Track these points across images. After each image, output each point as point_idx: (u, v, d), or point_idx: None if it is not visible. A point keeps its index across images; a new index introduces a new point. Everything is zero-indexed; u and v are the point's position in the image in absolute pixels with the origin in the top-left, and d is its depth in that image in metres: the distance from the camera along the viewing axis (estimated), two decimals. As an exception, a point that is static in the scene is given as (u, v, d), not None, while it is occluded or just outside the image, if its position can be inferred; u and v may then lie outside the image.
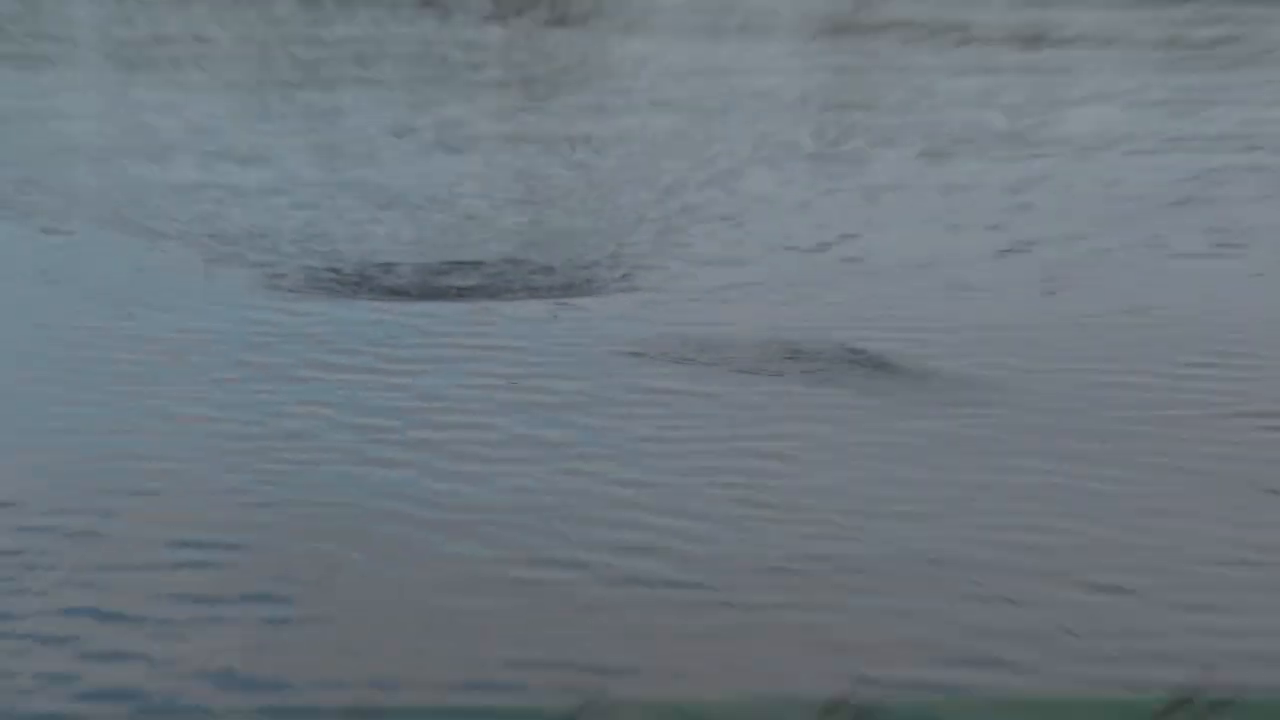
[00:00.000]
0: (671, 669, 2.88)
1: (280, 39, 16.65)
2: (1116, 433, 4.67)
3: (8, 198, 7.70)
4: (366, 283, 6.04)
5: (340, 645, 2.99)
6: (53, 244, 6.83)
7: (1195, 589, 3.46)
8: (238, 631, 3.07)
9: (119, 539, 3.58)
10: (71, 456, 4.11)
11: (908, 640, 3.12)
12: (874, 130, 10.41)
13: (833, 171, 9.08)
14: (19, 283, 6.20)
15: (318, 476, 3.99)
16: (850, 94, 12.95)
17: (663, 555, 3.45)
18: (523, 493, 3.84)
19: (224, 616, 3.13)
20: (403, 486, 3.86)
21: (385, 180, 8.47)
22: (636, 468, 4.03)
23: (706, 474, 4.01)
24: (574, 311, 5.70)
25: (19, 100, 11.12)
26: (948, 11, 18.68)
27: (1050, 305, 6.07)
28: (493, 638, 3.01)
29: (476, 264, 6.32)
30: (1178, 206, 7.93)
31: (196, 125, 10.08)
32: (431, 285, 6.01)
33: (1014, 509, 3.88)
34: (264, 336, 5.30)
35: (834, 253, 6.82)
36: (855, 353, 5.19)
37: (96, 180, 8.25)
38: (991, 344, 5.51)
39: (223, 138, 9.67)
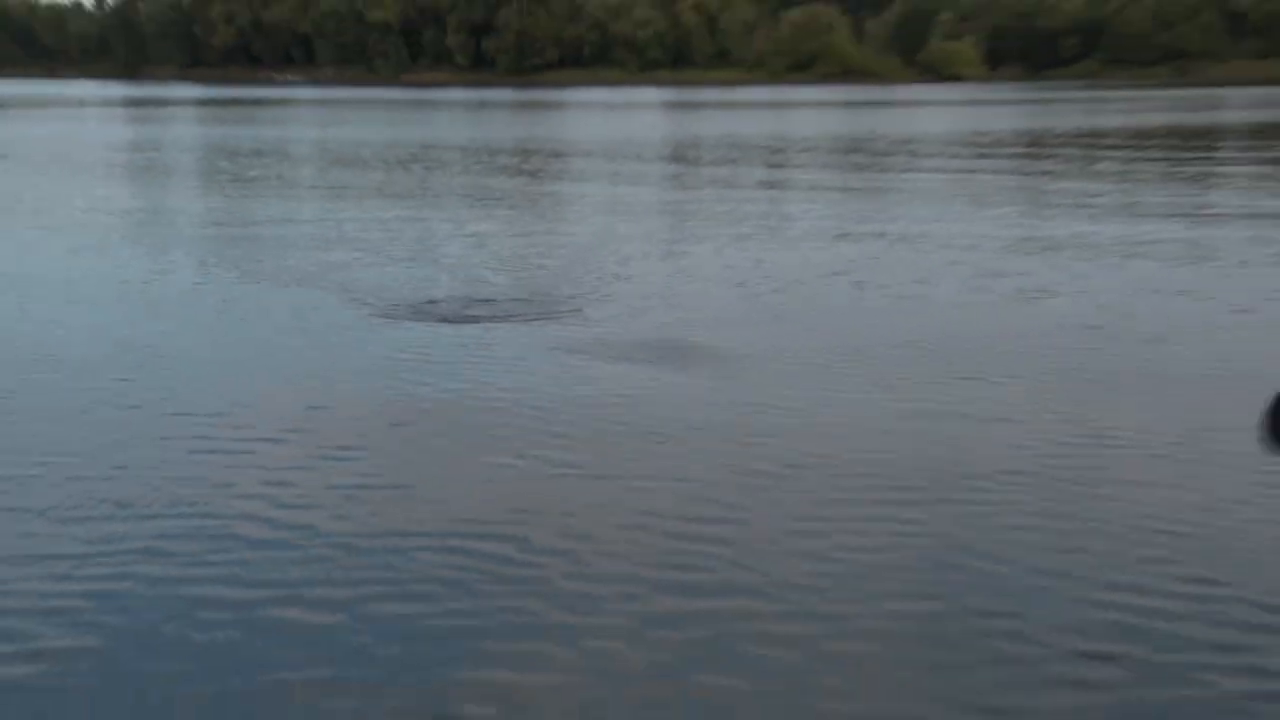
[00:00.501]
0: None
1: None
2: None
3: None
4: (430, 311, 9.63)
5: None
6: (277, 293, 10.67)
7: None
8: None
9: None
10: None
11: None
12: (721, 223, 15.84)
13: (687, 254, 13.49)
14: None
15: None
16: (689, 206, 19.25)
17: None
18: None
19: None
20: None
21: (436, 259, 12.83)
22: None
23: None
24: (534, 325, 9.14)
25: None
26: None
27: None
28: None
29: (489, 302, 10.01)
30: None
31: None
32: (463, 314, 9.51)
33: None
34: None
35: (679, 297, 10.48)
36: (666, 342, 8.48)
37: (302, 263, 12.35)
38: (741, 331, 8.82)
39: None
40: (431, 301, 10.14)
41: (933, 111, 58.23)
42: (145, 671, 4.07)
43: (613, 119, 54.83)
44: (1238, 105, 58.27)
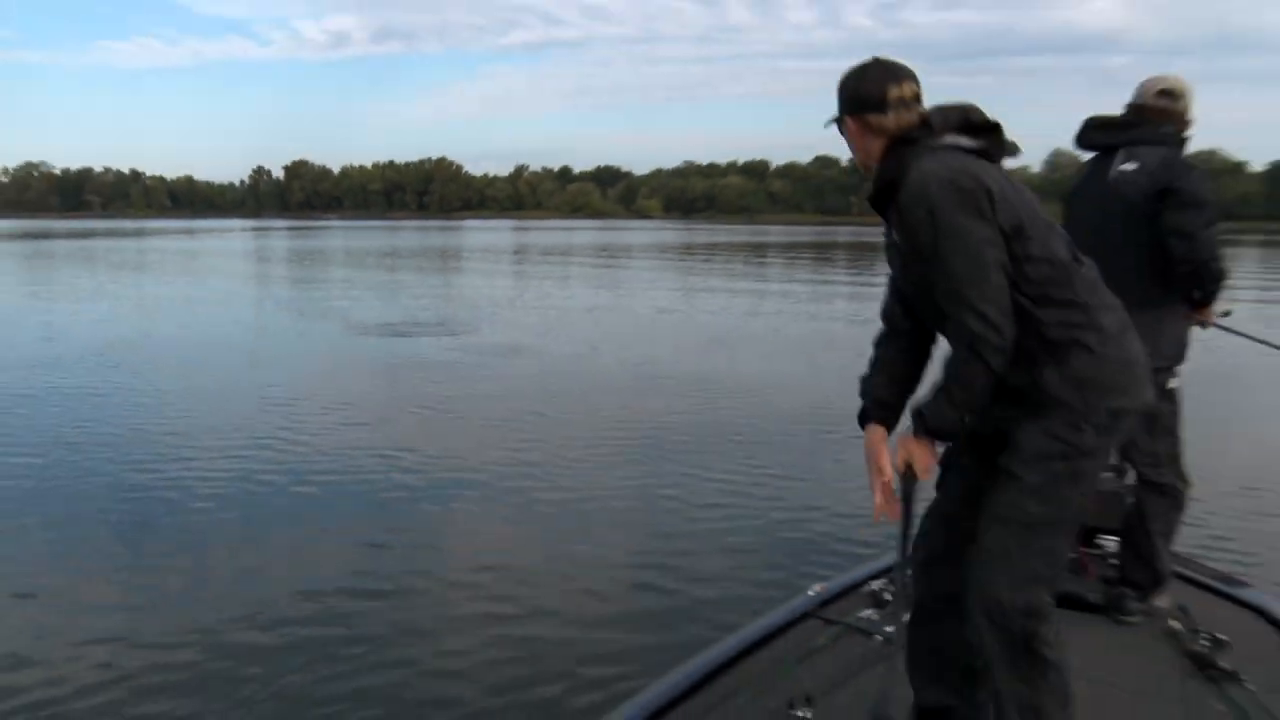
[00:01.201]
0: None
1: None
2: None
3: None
4: (389, 329, 16.98)
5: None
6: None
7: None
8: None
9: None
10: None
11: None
12: (542, 287, 23.49)
13: (524, 303, 21.08)
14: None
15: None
16: (526, 277, 26.86)
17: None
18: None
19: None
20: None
21: (402, 309, 20.41)
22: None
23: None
24: (445, 336, 16.35)
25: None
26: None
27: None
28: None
29: (421, 325, 17.44)
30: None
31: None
32: (407, 331, 16.43)
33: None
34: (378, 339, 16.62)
35: (519, 324, 17.73)
36: (510, 345, 15.68)
37: (320, 309, 20.19)
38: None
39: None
40: (389, 324, 17.43)
41: (637, 234, 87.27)
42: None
43: (485, 235, 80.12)
44: (776, 235, 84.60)
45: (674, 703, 3.13)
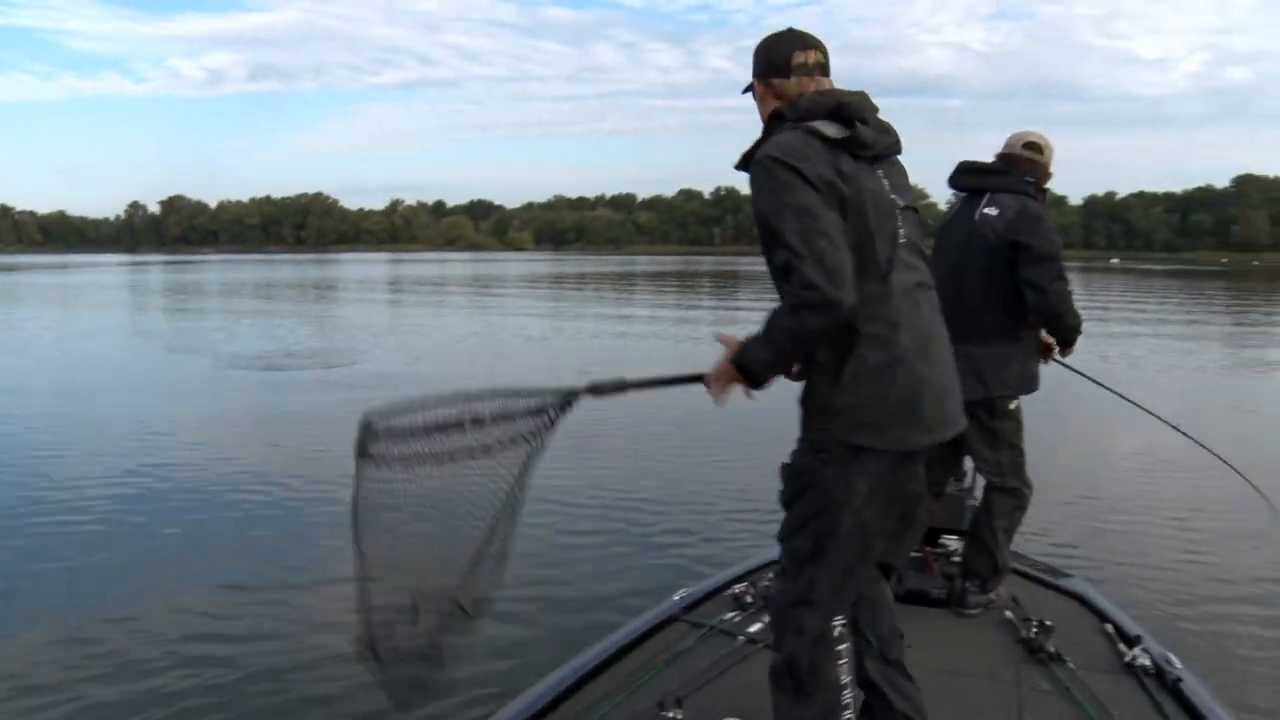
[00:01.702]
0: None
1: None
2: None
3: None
4: (287, 363, 16.78)
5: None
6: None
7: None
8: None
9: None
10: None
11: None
12: (419, 316, 23.13)
13: (400, 334, 20.77)
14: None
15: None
16: (403, 306, 26.44)
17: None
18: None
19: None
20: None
21: (276, 342, 19.77)
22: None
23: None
24: (318, 370, 16.20)
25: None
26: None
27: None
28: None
29: (293, 357, 17.22)
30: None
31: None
32: (279, 364, 16.54)
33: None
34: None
35: (393, 354, 17.58)
36: (377, 377, 15.82)
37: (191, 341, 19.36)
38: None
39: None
40: (261, 357, 16.91)
41: (510, 265, 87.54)
42: None
43: (361, 268, 77.21)
44: (643, 265, 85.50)
45: (544, 710, 3.12)
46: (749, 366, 2.43)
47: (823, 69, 2.56)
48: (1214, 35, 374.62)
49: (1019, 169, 4.08)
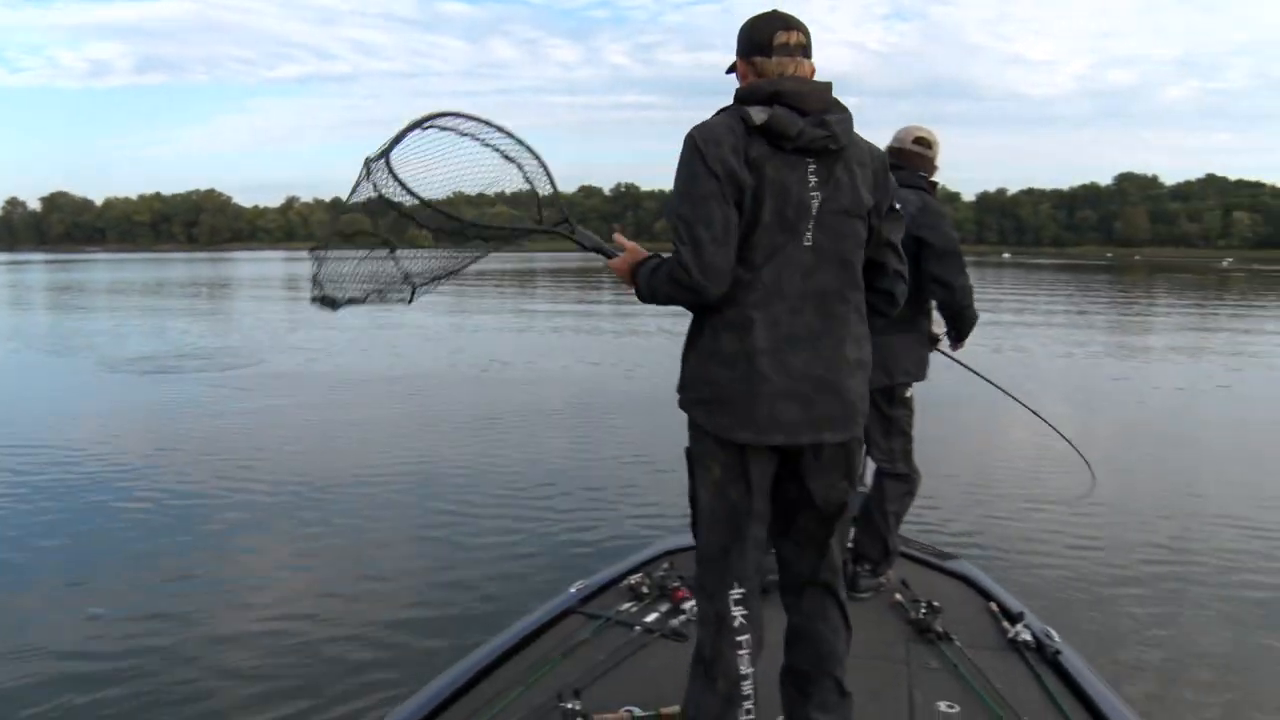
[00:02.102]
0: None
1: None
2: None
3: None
4: (180, 365, 16.35)
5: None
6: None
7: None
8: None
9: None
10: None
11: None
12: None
13: (294, 334, 20.38)
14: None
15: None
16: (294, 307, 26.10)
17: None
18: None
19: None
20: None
21: (166, 343, 19.12)
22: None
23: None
24: (210, 371, 15.87)
25: None
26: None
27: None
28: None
29: (185, 358, 16.82)
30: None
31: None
32: (170, 367, 16.21)
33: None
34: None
35: (282, 354, 17.27)
36: (272, 375, 15.54)
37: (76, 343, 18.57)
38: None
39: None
40: (149, 358, 16.37)
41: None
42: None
43: (256, 266, 76.03)
44: (544, 262, 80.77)
45: (441, 706, 3.11)
46: (636, 284, 2.66)
47: (804, 50, 2.56)
48: (1097, 39, 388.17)
49: (910, 164, 4.15)
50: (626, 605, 3.87)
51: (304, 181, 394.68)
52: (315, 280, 3.16)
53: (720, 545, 2.58)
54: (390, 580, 5.74)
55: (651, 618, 3.74)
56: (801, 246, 2.49)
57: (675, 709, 2.99)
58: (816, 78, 2.56)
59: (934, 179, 4.27)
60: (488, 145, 3.21)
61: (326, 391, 13.11)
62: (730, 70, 2.65)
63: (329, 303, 3.12)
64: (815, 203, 2.49)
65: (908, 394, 4.17)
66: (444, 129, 3.11)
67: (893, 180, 2.66)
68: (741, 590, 2.58)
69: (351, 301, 3.13)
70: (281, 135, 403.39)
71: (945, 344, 4.33)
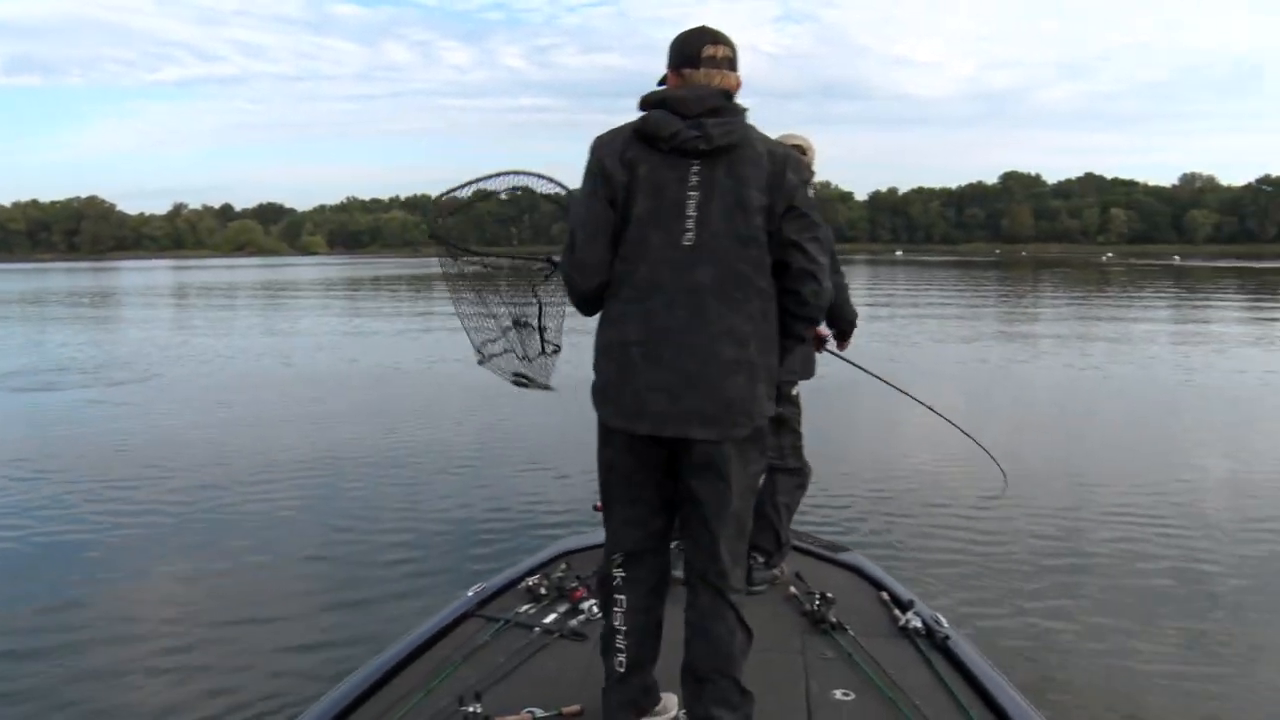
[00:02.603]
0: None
1: None
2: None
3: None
4: (59, 380, 15.78)
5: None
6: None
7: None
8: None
9: None
10: None
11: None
12: (207, 328, 22.16)
13: (185, 345, 19.90)
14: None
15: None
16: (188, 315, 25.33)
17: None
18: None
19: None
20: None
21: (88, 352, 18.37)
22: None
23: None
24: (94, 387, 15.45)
25: None
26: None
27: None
28: None
29: (63, 372, 16.21)
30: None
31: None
32: (50, 384, 15.77)
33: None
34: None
35: (177, 364, 16.94)
36: (153, 387, 15.32)
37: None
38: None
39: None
40: (26, 373, 15.75)
41: (302, 270, 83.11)
42: None
43: (141, 276, 73.01)
44: (439, 267, 78.90)
45: (343, 714, 3.08)
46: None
47: (730, 63, 2.71)
48: (980, 42, 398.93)
49: None
50: (525, 607, 3.88)
51: (191, 187, 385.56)
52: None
53: (614, 518, 2.85)
54: (285, 594, 5.65)
55: (550, 619, 3.75)
56: (680, 244, 2.59)
57: (576, 708, 3.04)
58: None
59: (810, 184, 4.37)
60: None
61: (215, 404, 12.80)
62: (662, 82, 2.77)
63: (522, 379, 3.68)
64: (693, 202, 2.59)
65: (794, 392, 4.26)
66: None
67: (792, 179, 2.66)
68: (621, 557, 2.83)
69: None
70: (165, 140, 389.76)
71: (832, 344, 4.43)
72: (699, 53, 2.67)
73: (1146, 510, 7.30)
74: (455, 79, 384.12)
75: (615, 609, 2.84)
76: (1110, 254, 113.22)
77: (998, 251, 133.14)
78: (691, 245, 2.59)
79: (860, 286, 41.97)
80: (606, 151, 2.63)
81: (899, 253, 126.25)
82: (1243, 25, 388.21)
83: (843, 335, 4.36)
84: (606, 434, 2.75)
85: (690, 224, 2.59)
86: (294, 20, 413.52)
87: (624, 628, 2.83)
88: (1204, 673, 4.66)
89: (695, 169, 2.59)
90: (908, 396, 5.19)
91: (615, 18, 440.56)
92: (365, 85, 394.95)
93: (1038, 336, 21.27)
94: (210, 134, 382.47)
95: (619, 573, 2.83)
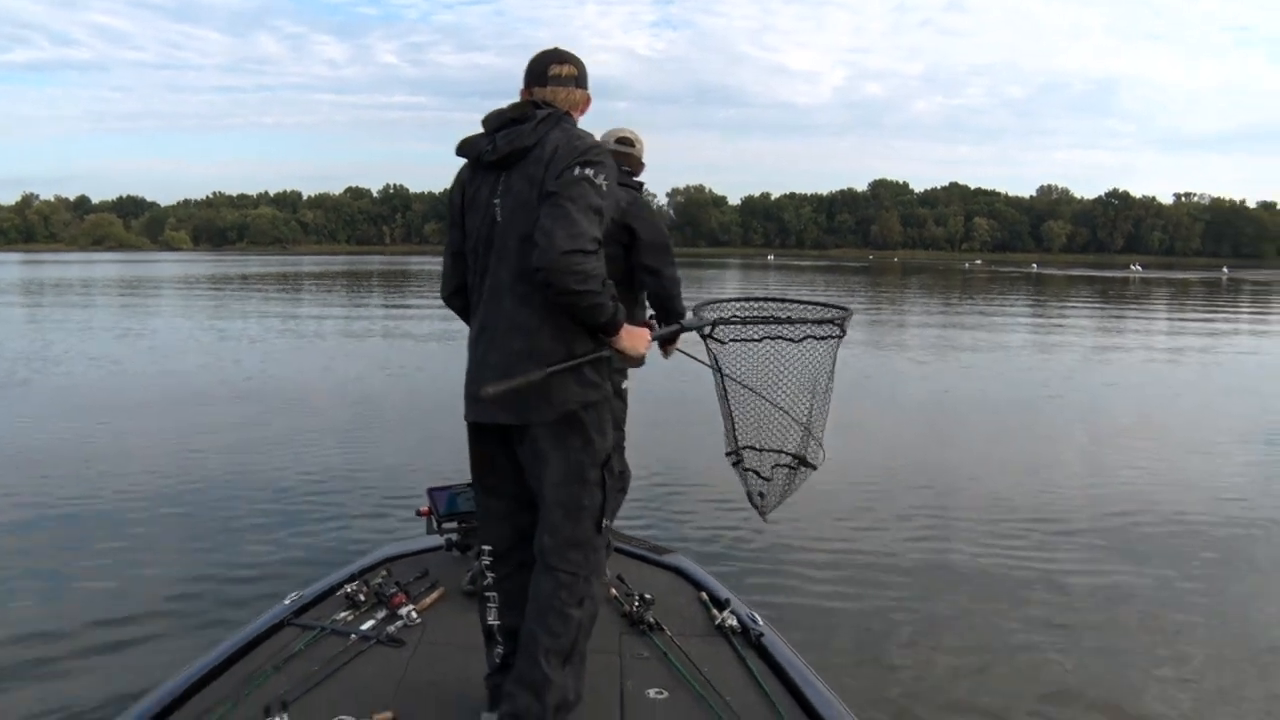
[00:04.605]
0: None
1: None
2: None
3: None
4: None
5: None
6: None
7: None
8: None
9: None
10: None
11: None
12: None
13: (93, 343, 19.05)
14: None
15: None
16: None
17: None
18: None
19: None
20: None
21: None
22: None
23: None
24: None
25: None
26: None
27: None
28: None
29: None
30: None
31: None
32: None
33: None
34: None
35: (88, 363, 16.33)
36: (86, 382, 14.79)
37: None
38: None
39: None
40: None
41: (165, 266, 77.63)
42: None
43: None
44: (309, 265, 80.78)
45: None
46: None
47: (575, 80, 2.96)
48: (852, 53, 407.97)
49: (616, 162, 4.35)
50: (343, 614, 3.85)
51: (42, 177, 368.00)
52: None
53: (478, 510, 3.14)
54: (105, 603, 5.48)
55: (368, 625, 3.74)
56: (494, 250, 2.84)
57: (388, 715, 3.04)
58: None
59: (639, 176, 4.48)
60: None
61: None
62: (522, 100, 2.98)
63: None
64: (498, 210, 2.82)
65: (624, 385, 4.32)
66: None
67: (558, 166, 2.70)
68: (489, 550, 3.04)
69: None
70: (16, 126, 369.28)
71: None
72: (546, 71, 2.92)
73: (966, 508, 7.73)
74: (328, 74, 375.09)
75: (489, 604, 3.04)
76: (979, 260, 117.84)
77: (871, 257, 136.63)
78: (497, 248, 2.83)
79: (733, 289, 42.61)
80: (455, 182, 2.98)
81: (771, 257, 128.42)
82: (1100, 48, 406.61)
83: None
84: (468, 428, 2.98)
85: (497, 230, 2.82)
86: (157, 6, 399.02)
87: (496, 623, 3.03)
88: (1008, 659, 4.95)
89: (502, 179, 2.82)
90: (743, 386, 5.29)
91: (491, 15, 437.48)
92: (234, 77, 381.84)
93: (901, 344, 21.88)
94: (66, 121, 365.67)
95: (489, 572, 3.03)
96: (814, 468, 3.54)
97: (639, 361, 3.05)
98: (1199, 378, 16.45)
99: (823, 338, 3.42)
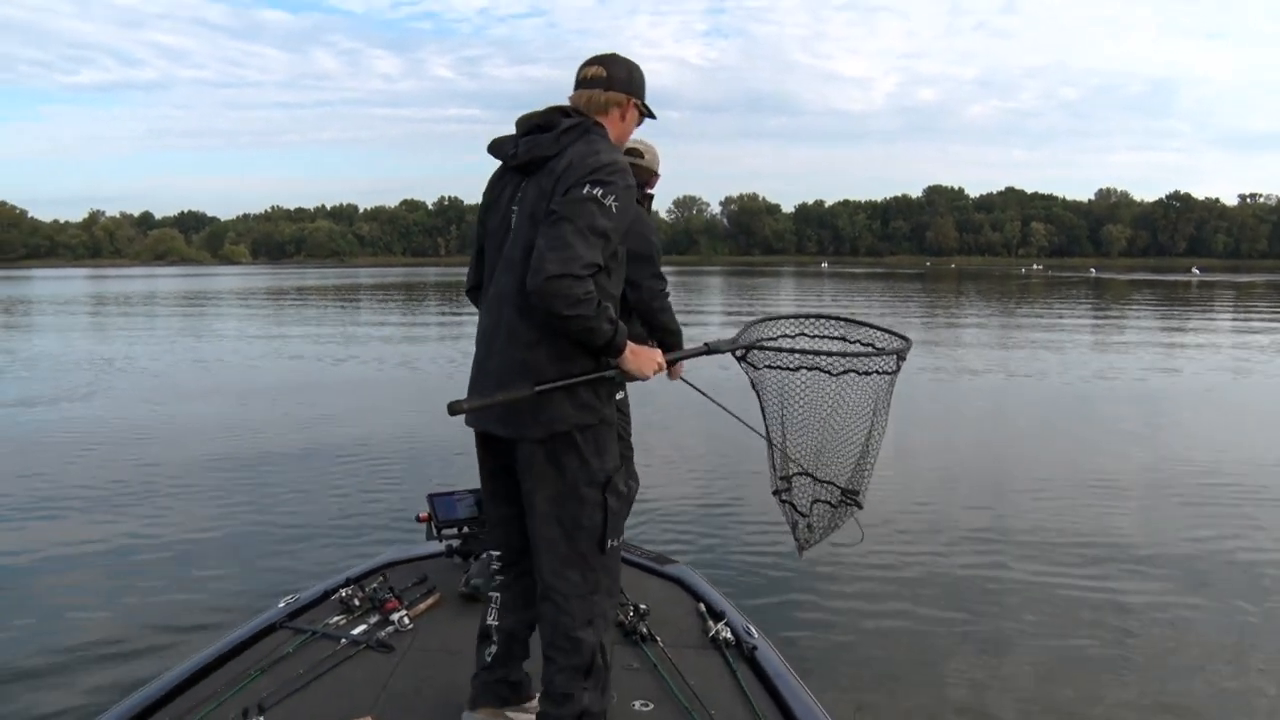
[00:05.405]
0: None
1: None
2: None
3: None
4: None
5: None
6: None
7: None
8: None
9: None
10: None
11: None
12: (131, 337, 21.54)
13: (112, 356, 19.43)
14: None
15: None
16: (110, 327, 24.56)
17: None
18: None
19: None
20: None
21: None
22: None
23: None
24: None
25: None
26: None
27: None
28: None
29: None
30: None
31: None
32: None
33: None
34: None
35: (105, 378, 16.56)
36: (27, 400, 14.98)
37: None
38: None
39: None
40: None
41: (225, 279, 79.14)
42: None
43: (55, 285, 68.62)
44: (365, 277, 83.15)
45: None
46: None
47: (602, 82, 2.90)
48: (905, 59, 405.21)
49: None
50: (336, 618, 3.85)
51: (109, 195, 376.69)
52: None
53: (489, 519, 3.18)
54: (105, 603, 5.54)
55: (359, 630, 3.73)
56: (503, 256, 2.82)
57: (366, 720, 3.02)
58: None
59: (651, 186, 4.42)
60: None
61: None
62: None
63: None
64: (515, 216, 2.81)
65: (620, 395, 4.28)
66: None
67: (567, 182, 2.67)
68: (497, 555, 3.08)
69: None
70: (84, 145, 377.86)
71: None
72: (578, 74, 2.93)
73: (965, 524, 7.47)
74: (383, 88, 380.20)
75: (491, 604, 3.08)
76: (1037, 265, 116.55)
77: (927, 264, 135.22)
78: (506, 255, 2.80)
79: (787, 299, 42.43)
80: (490, 178, 2.96)
81: (825, 265, 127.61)
82: (1155, 48, 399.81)
83: (664, 346, 4.35)
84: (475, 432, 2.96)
85: (510, 237, 2.80)
86: (218, 25, 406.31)
87: (494, 623, 3.06)
88: (1006, 675, 4.85)
89: (522, 185, 2.81)
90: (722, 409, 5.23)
91: (544, 28, 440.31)
92: (291, 93, 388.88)
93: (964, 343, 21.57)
94: (130, 140, 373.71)
95: (498, 575, 3.08)
96: (859, 506, 3.31)
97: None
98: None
99: (865, 373, 3.08)
